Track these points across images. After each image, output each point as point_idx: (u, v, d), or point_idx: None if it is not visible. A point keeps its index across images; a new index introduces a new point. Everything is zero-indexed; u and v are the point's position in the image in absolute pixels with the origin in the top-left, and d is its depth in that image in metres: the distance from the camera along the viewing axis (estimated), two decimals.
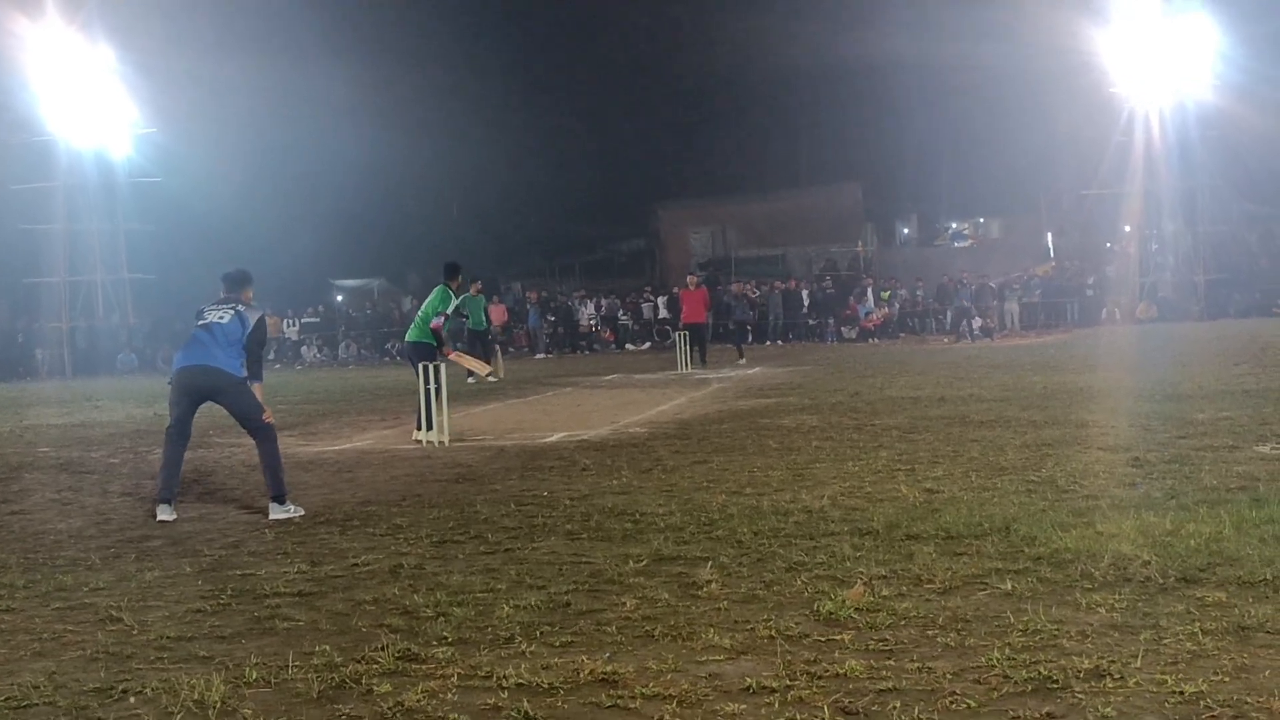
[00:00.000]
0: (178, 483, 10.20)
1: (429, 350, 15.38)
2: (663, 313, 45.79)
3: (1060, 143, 51.54)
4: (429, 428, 14.61)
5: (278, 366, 42.63)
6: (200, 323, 10.09)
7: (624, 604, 6.37)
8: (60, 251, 45.79)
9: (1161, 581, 6.27)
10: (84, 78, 43.32)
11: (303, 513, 9.85)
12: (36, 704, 5.16)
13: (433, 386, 14.47)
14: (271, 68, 48.19)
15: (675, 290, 41.68)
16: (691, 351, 29.34)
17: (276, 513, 9.80)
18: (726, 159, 67.78)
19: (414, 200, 65.63)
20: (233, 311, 10.10)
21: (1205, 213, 47.57)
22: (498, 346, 30.51)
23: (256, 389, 10.19)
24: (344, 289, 60.81)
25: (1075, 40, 43.78)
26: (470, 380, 23.13)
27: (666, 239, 62.56)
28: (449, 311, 15.70)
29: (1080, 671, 4.95)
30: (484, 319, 28.13)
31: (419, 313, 15.87)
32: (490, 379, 20.34)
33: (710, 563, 7.18)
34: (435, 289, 15.82)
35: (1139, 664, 5.01)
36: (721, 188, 64.19)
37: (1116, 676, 4.88)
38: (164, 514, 9.87)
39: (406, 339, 15.88)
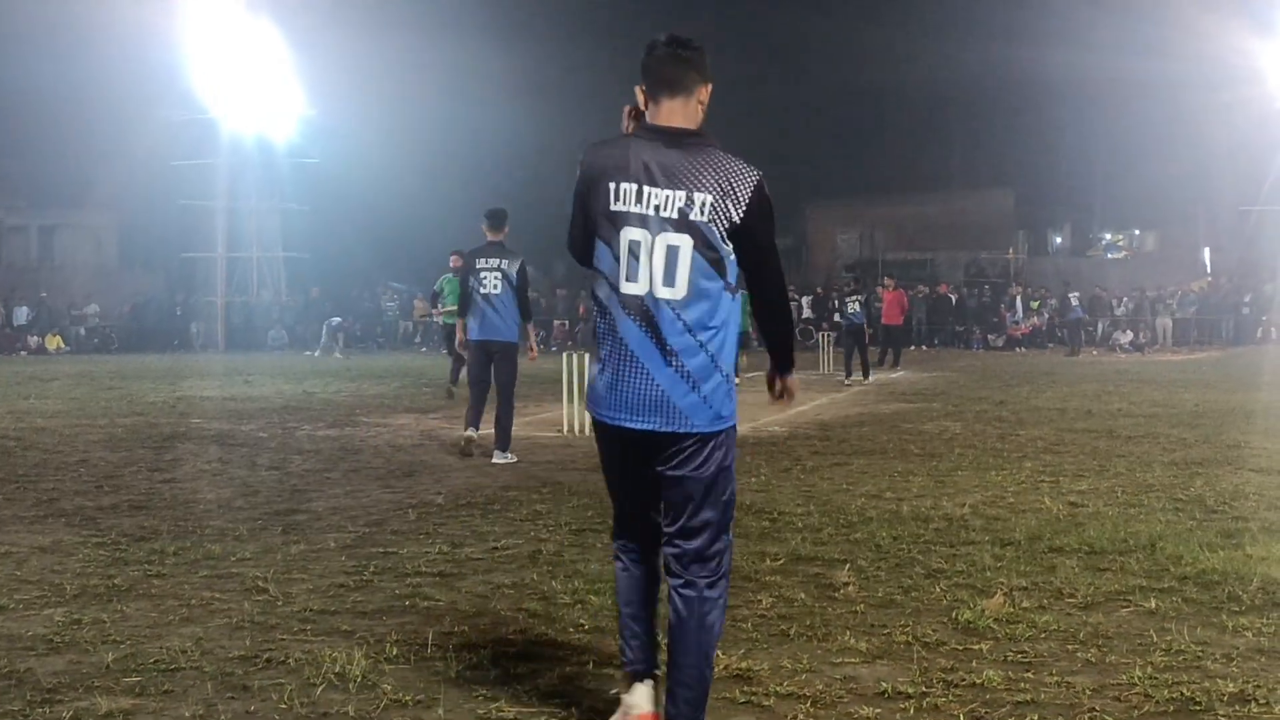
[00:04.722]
0: (479, 418, 12.45)
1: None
2: (806, 312, 45.47)
3: (1221, 157, 50.33)
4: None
5: (424, 350, 43.15)
6: (481, 291, 11.99)
7: (760, 601, 6.37)
8: (220, 227, 46.71)
9: None
10: (248, 57, 44.09)
11: (515, 459, 12.01)
12: (184, 668, 5.31)
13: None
14: (429, 49, 48.58)
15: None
16: (884, 354, 30.03)
17: (498, 459, 11.96)
18: (877, 160, 67.08)
19: (566, 187, 66.02)
20: (500, 279, 11.94)
21: None
22: None
23: (530, 329, 12.75)
24: None
25: (1239, 55, 42.73)
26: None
27: (813, 238, 62.19)
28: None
29: (1224, 695, 4.85)
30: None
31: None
32: None
33: (848, 565, 7.15)
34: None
35: None
36: (871, 189, 63.51)
37: (1262, 701, 4.78)
38: (469, 433, 12.44)
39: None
